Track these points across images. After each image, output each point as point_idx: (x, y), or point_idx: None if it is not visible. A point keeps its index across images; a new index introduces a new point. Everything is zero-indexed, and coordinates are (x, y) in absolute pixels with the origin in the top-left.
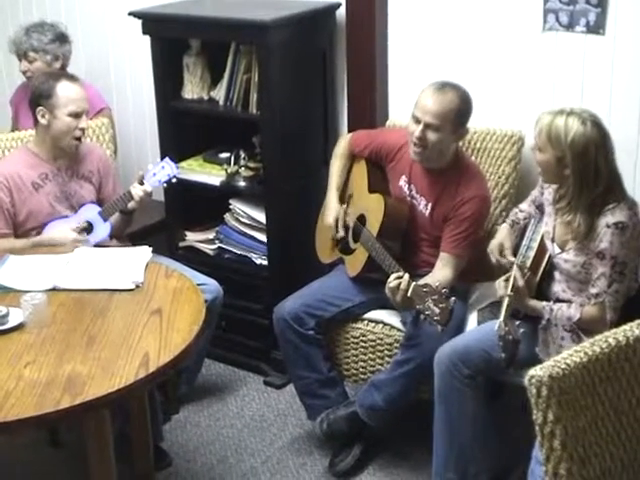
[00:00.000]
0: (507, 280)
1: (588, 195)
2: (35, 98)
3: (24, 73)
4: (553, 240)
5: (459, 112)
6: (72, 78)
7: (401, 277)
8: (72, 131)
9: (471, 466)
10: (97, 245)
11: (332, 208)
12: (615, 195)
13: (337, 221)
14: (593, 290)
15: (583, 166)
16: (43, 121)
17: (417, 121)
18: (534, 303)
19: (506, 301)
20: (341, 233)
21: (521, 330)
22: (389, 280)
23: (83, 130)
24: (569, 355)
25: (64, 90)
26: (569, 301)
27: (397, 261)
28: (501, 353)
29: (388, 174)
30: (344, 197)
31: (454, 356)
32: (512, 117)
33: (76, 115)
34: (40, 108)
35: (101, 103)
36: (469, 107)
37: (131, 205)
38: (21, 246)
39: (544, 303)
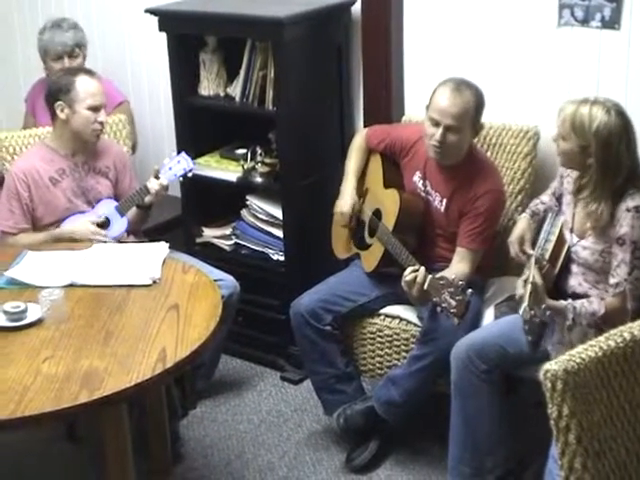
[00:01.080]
0: (522, 296)
1: (610, 184)
2: (53, 93)
3: None
4: (572, 230)
5: (476, 110)
6: (90, 72)
7: (417, 270)
8: (91, 124)
9: (487, 460)
10: (114, 240)
11: (348, 199)
12: (635, 183)
13: (353, 210)
14: (613, 280)
15: (607, 155)
16: (62, 116)
17: (436, 124)
18: (555, 303)
19: (529, 288)
20: (353, 223)
21: (548, 313)
22: (405, 273)
23: (102, 124)
24: (584, 349)
25: (83, 84)
26: (585, 295)
27: (413, 255)
28: (527, 336)
29: (402, 169)
30: (360, 191)
31: (470, 351)
32: (528, 112)
33: (95, 109)
34: (59, 103)
35: (120, 97)
36: (483, 102)
37: (148, 199)
38: (41, 239)
39: (565, 302)
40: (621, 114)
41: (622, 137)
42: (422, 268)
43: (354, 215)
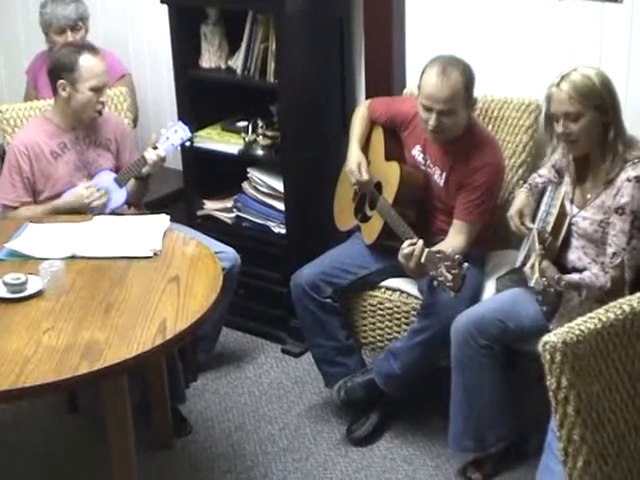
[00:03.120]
0: (532, 267)
1: (623, 135)
2: (56, 70)
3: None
4: (572, 201)
5: (466, 88)
6: (94, 51)
7: (415, 244)
8: (93, 105)
9: (488, 434)
10: (114, 213)
11: (354, 156)
12: (635, 152)
13: (360, 166)
14: (610, 249)
15: (615, 98)
16: (64, 94)
17: (428, 109)
18: (568, 277)
19: (537, 259)
20: (365, 176)
21: (563, 282)
22: (403, 246)
23: (103, 103)
24: (583, 321)
25: (87, 64)
26: (585, 269)
27: (412, 229)
28: (542, 307)
29: (403, 142)
30: None
31: (470, 326)
32: (529, 86)
33: (97, 89)
34: (62, 82)
35: (122, 69)
36: (473, 77)
37: (145, 170)
38: (41, 212)
39: (576, 276)
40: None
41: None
42: (420, 241)
43: (362, 169)
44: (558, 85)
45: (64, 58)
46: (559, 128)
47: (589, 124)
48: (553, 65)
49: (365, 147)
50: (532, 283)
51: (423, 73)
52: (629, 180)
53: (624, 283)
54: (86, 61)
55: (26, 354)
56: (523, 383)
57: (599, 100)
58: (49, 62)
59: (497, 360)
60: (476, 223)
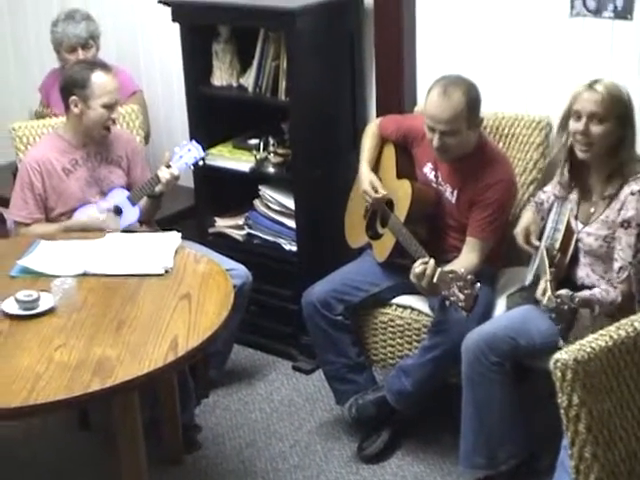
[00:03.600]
0: (545, 289)
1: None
2: (69, 86)
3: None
4: (577, 217)
5: (469, 108)
6: (106, 68)
7: (427, 263)
8: (104, 122)
9: (499, 451)
10: (126, 230)
11: (365, 176)
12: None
13: (373, 185)
14: (617, 264)
15: (634, 116)
16: (75, 110)
17: (431, 129)
18: (580, 294)
19: (548, 276)
20: (381, 192)
21: (577, 299)
22: (415, 266)
23: (114, 120)
24: (594, 339)
25: (99, 81)
26: (594, 286)
27: (424, 246)
28: (557, 325)
29: (414, 159)
30: None
31: (481, 343)
32: (540, 103)
33: (109, 107)
34: (74, 98)
35: (133, 86)
36: (477, 96)
37: (158, 188)
38: (53, 230)
39: (588, 292)
40: None
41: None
42: (431, 261)
43: (378, 187)
44: (591, 86)
45: (77, 75)
46: (580, 126)
47: (608, 131)
48: (564, 82)
49: (376, 165)
50: (545, 302)
51: (428, 93)
52: (633, 194)
53: (633, 297)
54: (98, 78)
55: (38, 371)
56: (534, 400)
57: (624, 110)
58: (61, 79)
59: (508, 377)
60: (489, 240)
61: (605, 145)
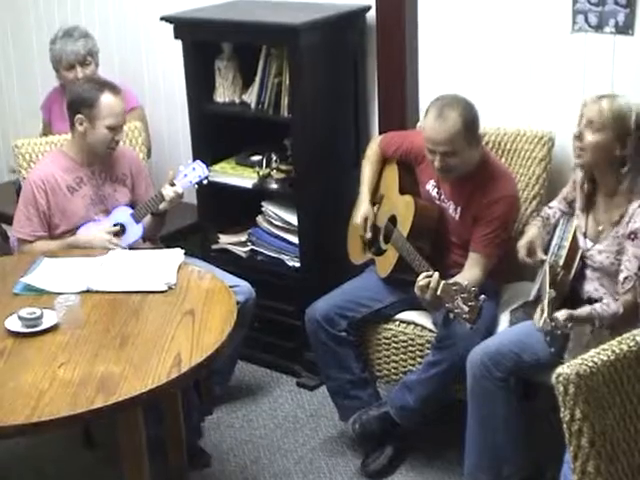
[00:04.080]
0: (543, 310)
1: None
2: (76, 104)
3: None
4: (585, 235)
5: (466, 128)
6: (115, 90)
7: (430, 276)
8: (108, 142)
9: (503, 467)
10: (130, 247)
11: (362, 208)
12: None
13: (366, 221)
14: (622, 275)
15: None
16: (80, 128)
17: (431, 151)
18: (579, 312)
19: (547, 297)
20: (368, 234)
21: (569, 324)
22: (418, 279)
23: (118, 142)
24: (596, 353)
25: (107, 102)
26: (601, 300)
27: (428, 262)
28: (550, 348)
29: (418, 176)
30: (376, 198)
31: (485, 358)
32: (542, 118)
33: (113, 128)
34: (79, 116)
35: (133, 101)
36: (473, 115)
37: (162, 206)
38: (56, 247)
39: (588, 309)
40: None
41: None
42: (436, 273)
43: (368, 226)
44: (600, 97)
45: (86, 93)
46: (577, 130)
47: (602, 142)
48: (566, 97)
49: (378, 181)
50: (540, 324)
51: (425, 115)
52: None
53: (637, 308)
54: (107, 99)
55: (41, 388)
56: (539, 414)
57: (624, 129)
58: (69, 95)
59: (512, 392)
60: (492, 256)
61: (599, 158)
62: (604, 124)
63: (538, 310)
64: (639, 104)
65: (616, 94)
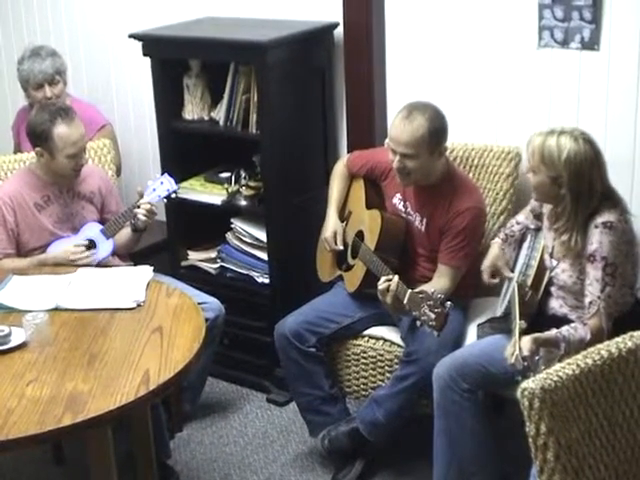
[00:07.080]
0: (514, 346)
1: (584, 211)
2: (32, 138)
3: (48, 100)
4: (551, 255)
5: (431, 135)
6: (68, 117)
7: (390, 279)
8: (72, 167)
9: None
10: (99, 264)
11: (330, 223)
12: (608, 204)
13: (335, 235)
14: (587, 299)
15: (578, 183)
16: (42, 160)
17: (393, 151)
18: (545, 336)
19: (517, 329)
20: (339, 246)
21: (542, 367)
22: (379, 283)
23: (82, 165)
24: (561, 367)
25: (60, 134)
26: (565, 317)
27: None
28: (517, 377)
29: (383, 192)
30: (343, 215)
31: (452, 370)
32: (509, 134)
33: (74, 156)
34: (38, 149)
35: (102, 120)
36: (441, 125)
37: (143, 221)
38: (25, 265)
39: (554, 332)
40: (589, 142)
41: (593, 164)
42: (395, 277)
43: (338, 240)
44: (539, 135)
45: (38, 128)
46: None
47: (539, 184)
48: (533, 112)
49: (345, 197)
50: (512, 360)
51: (396, 115)
52: (596, 227)
53: (604, 333)
54: (60, 130)
55: (9, 406)
56: (508, 428)
57: (554, 173)
58: (26, 126)
59: (479, 405)
60: (460, 267)
61: (543, 196)
62: (537, 166)
63: (509, 347)
64: (577, 142)
65: (554, 130)
